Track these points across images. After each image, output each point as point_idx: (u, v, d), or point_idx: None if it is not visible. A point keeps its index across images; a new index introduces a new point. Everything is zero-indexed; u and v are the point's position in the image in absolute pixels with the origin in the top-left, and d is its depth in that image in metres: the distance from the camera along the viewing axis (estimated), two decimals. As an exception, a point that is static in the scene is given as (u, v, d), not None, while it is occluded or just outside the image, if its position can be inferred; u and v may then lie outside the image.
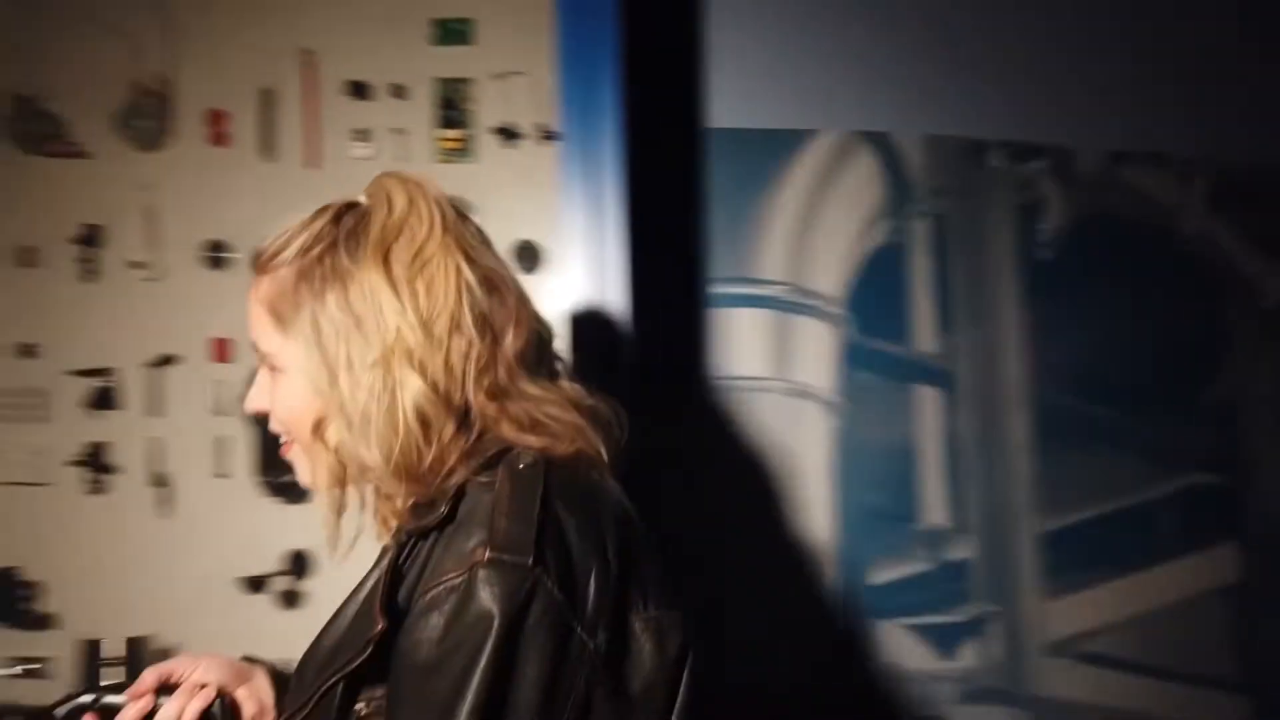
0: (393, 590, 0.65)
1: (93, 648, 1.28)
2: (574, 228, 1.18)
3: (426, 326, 0.67)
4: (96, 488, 1.36)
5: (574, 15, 1.17)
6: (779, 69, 1.43)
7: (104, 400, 1.37)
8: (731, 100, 1.42)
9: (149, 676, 0.79)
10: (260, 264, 0.74)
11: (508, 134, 1.32)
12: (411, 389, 0.67)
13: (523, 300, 0.74)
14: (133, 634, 1.31)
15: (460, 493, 0.67)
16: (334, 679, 0.64)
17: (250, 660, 0.86)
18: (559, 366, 0.78)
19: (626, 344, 1.17)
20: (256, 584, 1.32)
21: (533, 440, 0.69)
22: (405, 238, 0.69)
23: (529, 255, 1.32)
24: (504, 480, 0.66)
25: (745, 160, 1.41)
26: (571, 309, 1.20)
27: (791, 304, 1.41)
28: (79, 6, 1.39)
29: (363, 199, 0.74)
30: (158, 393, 1.36)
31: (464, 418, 0.69)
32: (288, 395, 0.72)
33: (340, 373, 0.68)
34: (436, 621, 0.60)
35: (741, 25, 1.44)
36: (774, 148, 1.41)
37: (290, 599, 1.32)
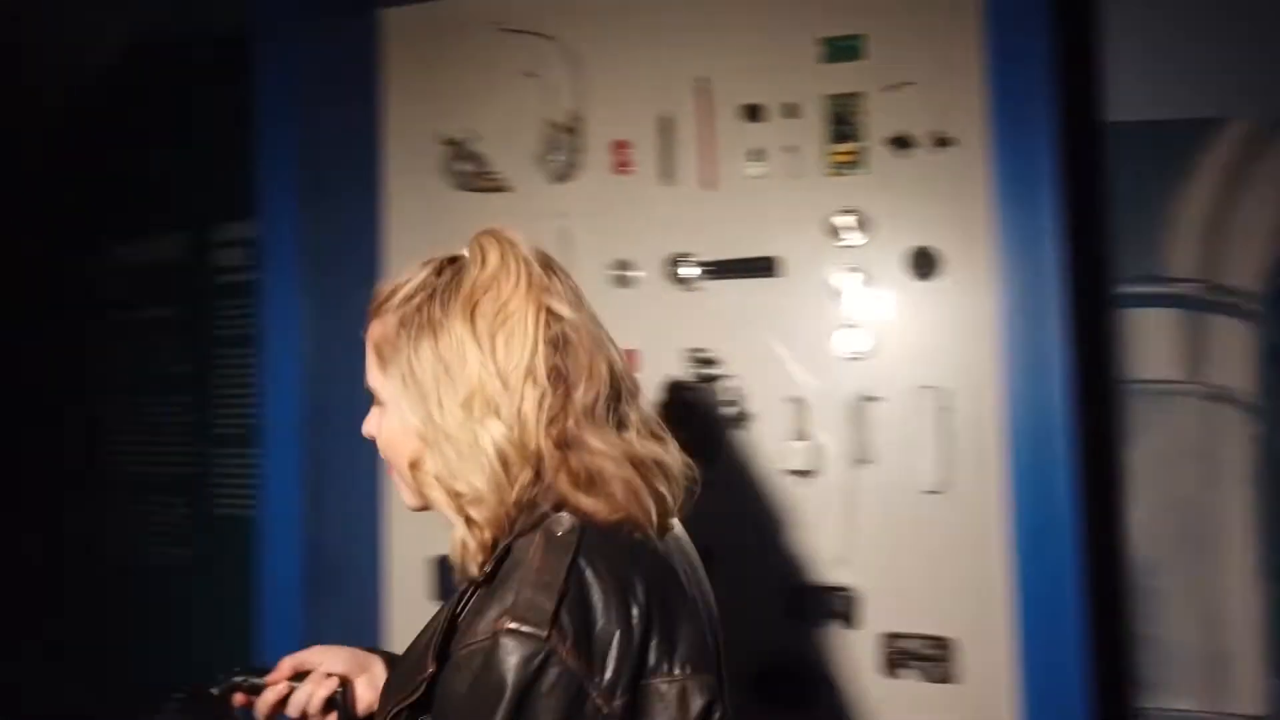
0: (447, 637, 0.71)
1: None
2: (1006, 231, 1.18)
3: (504, 376, 0.73)
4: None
5: (1005, 22, 1.17)
6: (1180, 57, 1.36)
7: (526, 406, 1.53)
8: (1130, 92, 1.37)
9: (286, 664, 0.91)
10: (373, 308, 0.81)
11: (900, 144, 1.35)
12: (491, 430, 0.73)
13: (598, 352, 0.77)
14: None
15: (507, 550, 0.72)
16: (397, 709, 0.72)
17: (371, 650, 0.95)
18: (634, 417, 0.80)
19: (1060, 347, 1.16)
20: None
21: (583, 499, 0.73)
22: (492, 294, 0.75)
23: (924, 261, 1.33)
24: (538, 547, 0.70)
25: (1149, 154, 1.35)
26: (1003, 313, 1.20)
27: (1205, 302, 1.34)
28: (499, 58, 1.56)
29: (464, 253, 0.80)
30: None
31: (538, 464, 0.74)
32: (388, 428, 0.80)
33: (432, 411, 0.75)
34: (464, 678, 0.67)
35: (1136, 11, 1.39)
36: (1179, 140, 1.35)
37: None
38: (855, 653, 1.35)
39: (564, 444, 0.75)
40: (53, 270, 2.04)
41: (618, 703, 0.67)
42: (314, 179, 1.49)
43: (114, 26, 1.92)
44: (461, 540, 0.76)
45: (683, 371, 1.43)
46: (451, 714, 0.68)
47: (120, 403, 1.88)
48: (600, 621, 0.68)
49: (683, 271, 1.45)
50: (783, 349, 1.40)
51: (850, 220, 1.36)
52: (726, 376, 1.41)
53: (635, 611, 0.70)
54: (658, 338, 1.46)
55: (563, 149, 1.51)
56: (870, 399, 1.35)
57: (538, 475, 0.74)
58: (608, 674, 0.67)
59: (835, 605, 1.36)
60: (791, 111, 1.41)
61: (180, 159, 1.75)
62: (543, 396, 0.74)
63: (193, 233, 1.77)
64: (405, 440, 0.78)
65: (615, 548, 0.72)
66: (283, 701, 0.89)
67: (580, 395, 0.76)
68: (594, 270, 1.49)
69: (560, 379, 0.75)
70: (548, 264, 0.80)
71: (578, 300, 0.80)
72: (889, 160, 1.36)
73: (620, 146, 1.49)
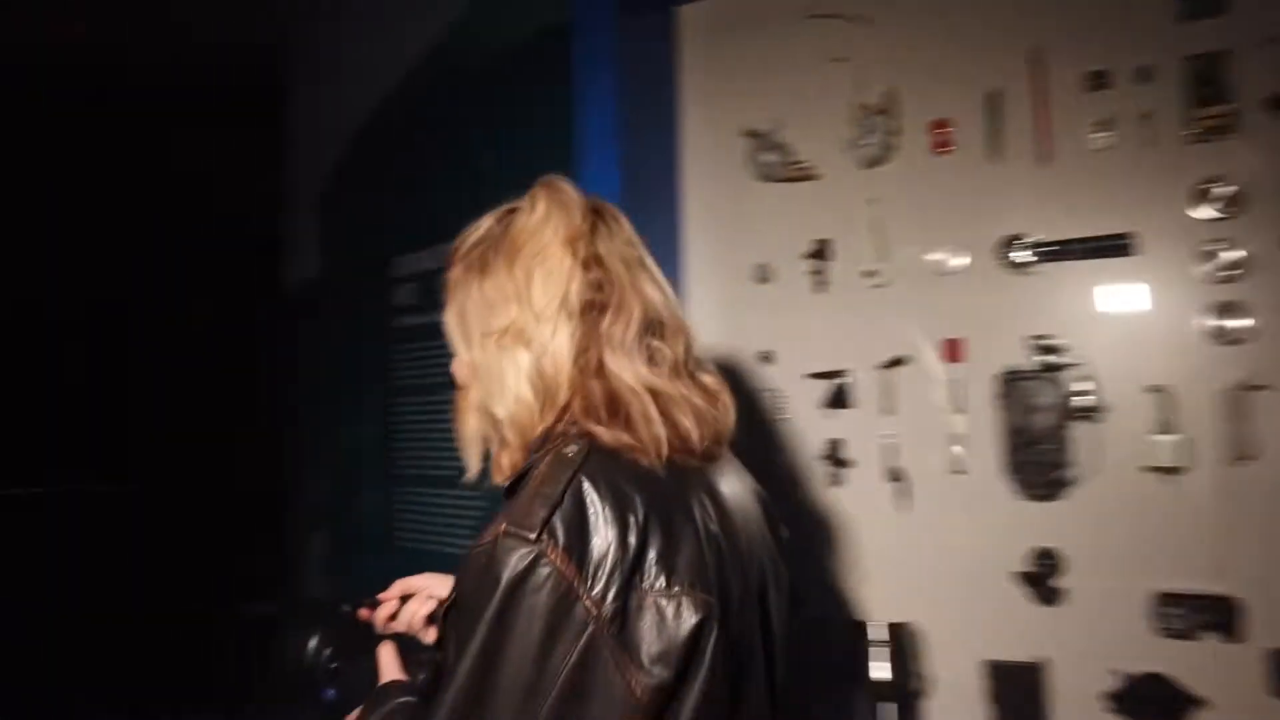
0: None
1: (859, 629, 1.38)
2: None
3: (537, 312, 0.82)
4: (836, 480, 1.48)
5: None
6: None
7: (838, 400, 1.48)
8: None
9: (397, 586, 1.06)
10: (450, 256, 0.91)
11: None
12: (523, 361, 0.82)
13: (634, 293, 0.85)
14: (893, 619, 1.39)
15: (528, 469, 0.78)
16: (442, 609, 0.78)
17: None
18: (668, 354, 0.85)
19: None
20: (1011, 578, 1.33)
21: (594, 424, 0.79)
22: (535, 238, 0.84)
23: (1316, 233, 1.18)
24: (545, 464, 0.77)
25: None
26: None
27: None
28: (802, 45, 1.53)
29: (523, 202, 0.88)
30: (890, 392, 1.45)
31: (567, 391, 0.82)
32: (454, 362, 0.91)
33: (475, 343, 0.86)
34: (471, 576, 0.73)
35: None
36: None
37: (1047, 596, 1.31)
38: (1236, 671, 1.21)
39: (589, 373, 0.82)
40: (362, 275, 2.19)
41: (608, 608, 0.71)
42: (632, 180, 1.50)
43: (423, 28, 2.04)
44: (497, 461, 0.87)
45: (1023, 361, 1.34)
46: (462, 607, 0.74)
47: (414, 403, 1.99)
48: (594, 532, 0.73)
49: (1016, 255, 1.36)
50: (1136, 334, 1.28)
51: (1222, 190, 1.23)
52: (1074, 365, 1.31)
53: (632, 525, 0.74)
54: (989, 326, 1.37)
55: (875, 132, 1.46)
56: (1252, 388, 1.21)
57: (568, 404, 0.82)
58: (599, 581, 0.72)
59: (1210, 616, 1.22)
60: (1143, 76, 1.29)
61: (499, 156, 1.80)
62: (574, 330, 0.82)
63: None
64: (460, 372, 0.89)
65: (619, 468, 0.77)
66: (394, 616, 1.04)
67: (607, 326, 0.83)
68: (909, 257, 1.43)
69: (592, 313, 0.83)
70: (598, 211, 0.88)
71: (625, 245, 0.87)
72: (1266, 124, 1.22)
73: (939, 126, 1.42)
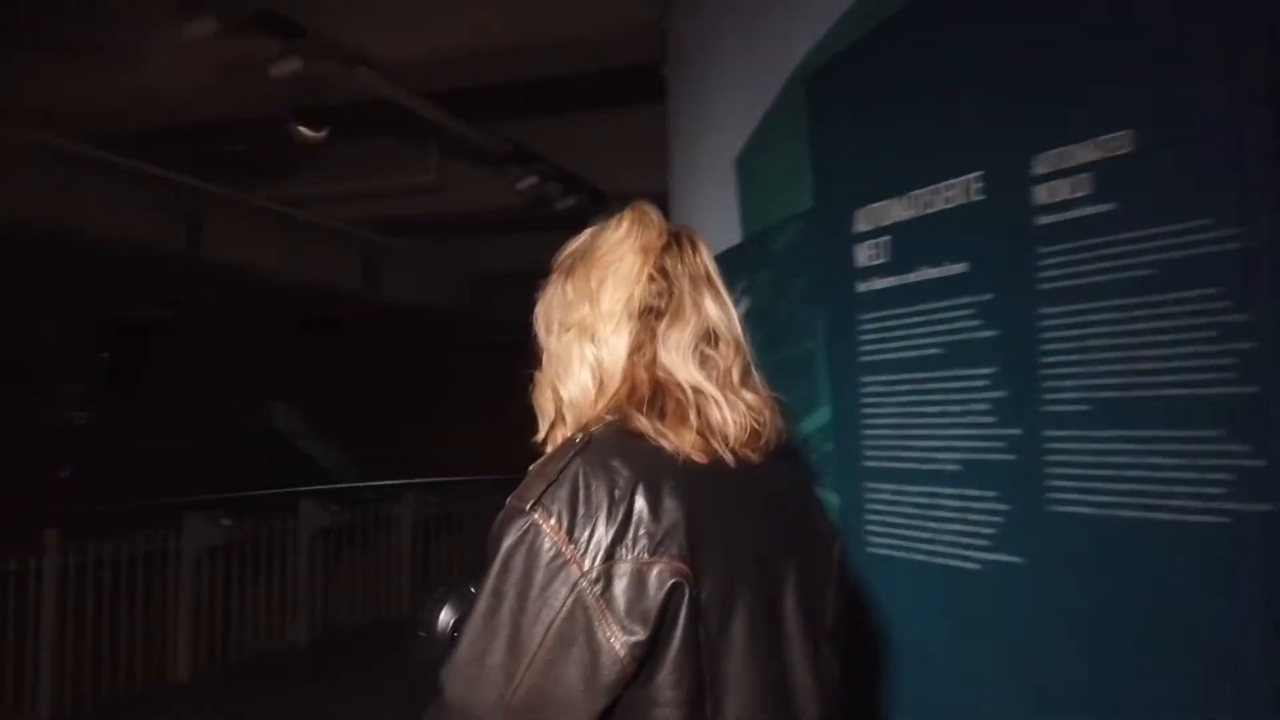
0: None
1: None
2: None
3: (604, 313, 1.02)
4: None
5: None
6: None
7: None
8: None
9: None
10: (552, 261, 1.11)
11: None
12: (588, 353, 1.03)
13: (695, 306, 1.04)
14: None
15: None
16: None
17: None
18: (719, 363, 1.03)
19: None
20: None
21: (633, 411, 0.97)
22: (613, 251, 1.04)
23: None
24: (556, 447, 0.98)
25: None
26: None
27: None
28: None
29: (612, 220, 1.08)
30: None
31: (622, 381, 1.01)
32: (536, 346, 1.11)
33: (551, 335, 1.08)
34: (488, 539, 0.93)
35: None
36: None
37: None
38: None
39: (641, 366, 1.01)
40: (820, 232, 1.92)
41: (593, 572, 0.88)
42: None
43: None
44: (553, 436, 1.06)
45: None
46: (483, 562, 0.92)
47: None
48: (582, 505, 0.90)
49: None
50: None
51: None
52: None
53: (620, 501, 0.90)
54: None
55: None
56: None
57: (618, 392, 1.00)
58: (586, 547, 0.89)
59: None
60: None
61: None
62: (633, 329, 1.01)
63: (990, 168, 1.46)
64: (540, 356, 1.09)
65: (624, 448, 0.94)
66: None
67: (664, 329, 1.02)
68: None
69: (650, 316, 1.02)
70: (676, 235, 1.08)
71: (694, 264, 1.06)
72: None
73: None
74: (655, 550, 0.89)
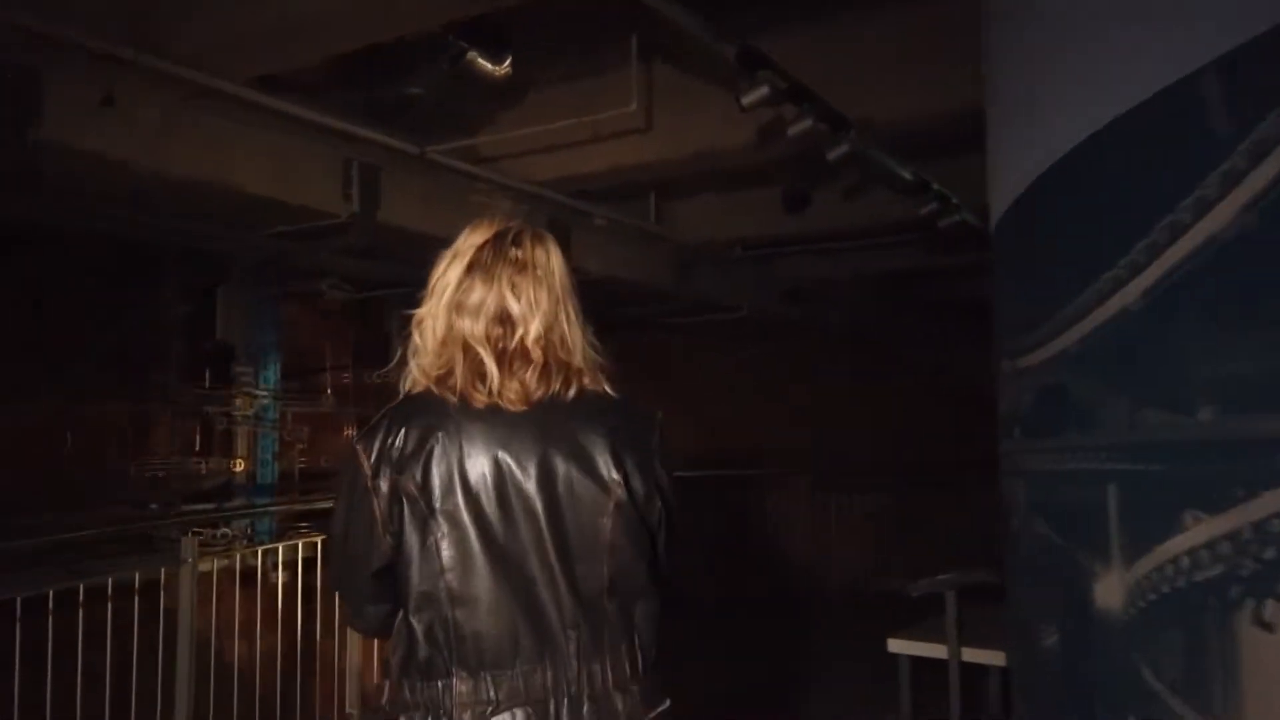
0: None
1: None
2: None
3: (432, 299, 1.60)
4: None
5: None
6: None
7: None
8: None
9: None
10: None
11: None
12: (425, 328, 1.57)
13: (491, 292, 1.54)
14: None
15: None
16: None
17: None
18: (511, 335, 1.53)
19: None
20: None
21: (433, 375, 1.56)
22: (446, 251, 1.60)
23: None
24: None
25: None
26: None
27: None
28: None
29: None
30: None
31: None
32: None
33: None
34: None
35: None
36: None
37: None
38: None
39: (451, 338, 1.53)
40: None
41: (381, 483, 1.47)
42: None
43: None
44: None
45: None
46: None
47: None
48: (375, 439, 1.48)
49: None
50: None
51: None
52: None
53: (395, 439, 1.47)
54: None
55: None
56: None
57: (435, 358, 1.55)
58: (372, 461, 1.48)
59: None
60: None
61: None
62: (447, 309, 1.53)
63: None
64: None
65: (418, 406, 1.51)
66: None
67: (466, 310, 1.53)
68: None
69: (458, 301, 1.53)
70: (502, 234, 1.56)
71: (509, 259, 1.53)
72: None
73: None
74: (400, 468, 1.47)
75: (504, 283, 1.49)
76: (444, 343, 1.50)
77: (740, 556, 7.74)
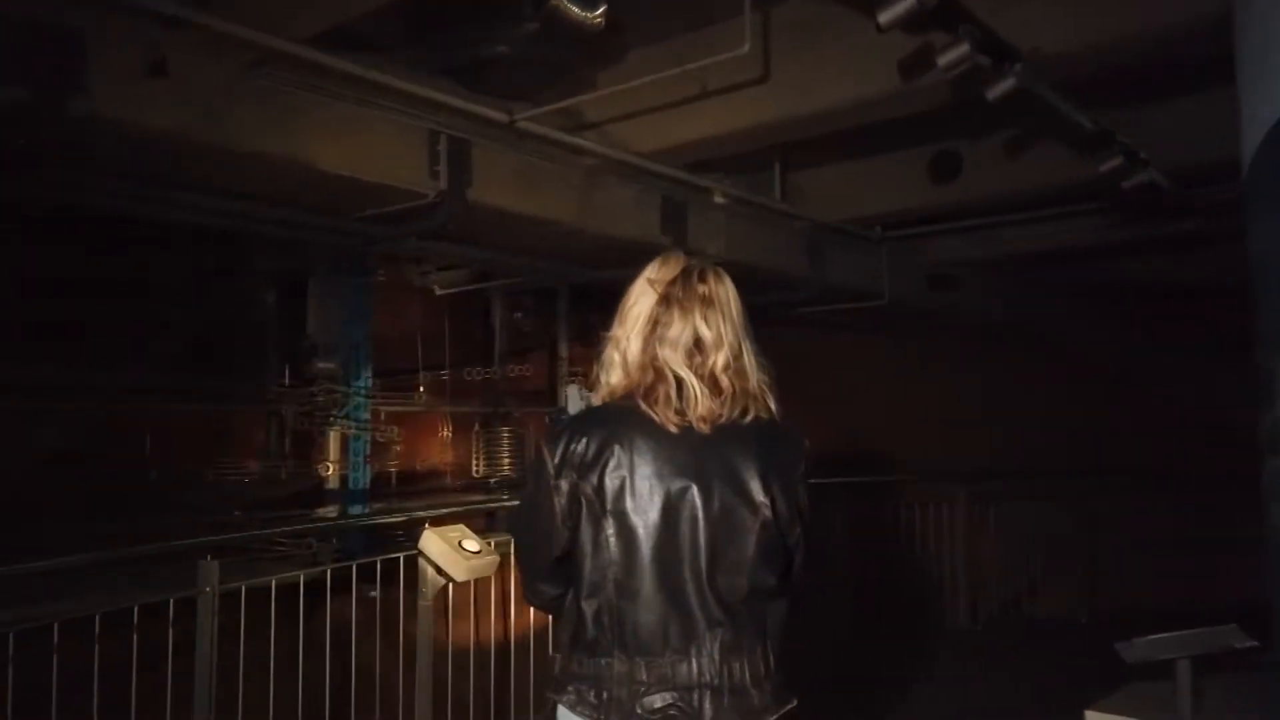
0: None
1: None
2: None
3: (625, 329, 1.84)
4: None
5: None
6: None
7: None
8: None
9: None
10: None
11: None
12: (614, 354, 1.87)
13: (685, 321, 1.78)
14: None
15: None
16: None
17: None
18: (703, 362, 1.80)
19: None
20: None
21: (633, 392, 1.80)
22: (634, 286, 1.88)
23: None
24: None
25: None
26: None
27: None
28: None
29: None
30: None
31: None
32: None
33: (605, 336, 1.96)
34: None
35: None
36: None
37: None
38: None
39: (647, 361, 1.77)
40: None
41: (557, 475, 1.71)
42: None
43: None
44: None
45: None
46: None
47: None
48: (559, 444, 1.72)
49: None
50: None
51: None
52: None
53: (578, 445, 1.71)
54: None
55: None
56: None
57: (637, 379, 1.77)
58: (556, 462, 1.71)
59: None
60: None
61: None
62: (643, 336, 1.77)
63: None
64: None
65: (609, 417, 1.75)
66: None
67: (662, 336, 1.75)
68: None
69: (657, 329, 1.76)
70: (688, 271, 1.80)
71: (696, 292, 1.77)
72: None
73: None
74: (581, 472, 1.71)
75: (696, 316, 1.73)
76: (640, 366, 1.75)
77: (878, 573, 6.80)
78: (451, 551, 3.46)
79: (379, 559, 4.10)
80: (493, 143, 5.74)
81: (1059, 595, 7.58)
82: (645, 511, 1.65)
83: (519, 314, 8.41)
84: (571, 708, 1.67)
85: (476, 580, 3.85)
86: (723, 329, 1.72)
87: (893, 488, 7.32)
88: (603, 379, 1.78)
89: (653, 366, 1.72)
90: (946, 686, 5.57)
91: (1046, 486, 7.88)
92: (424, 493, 7.65)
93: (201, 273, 6.62)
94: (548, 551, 1.73)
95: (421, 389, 7.80)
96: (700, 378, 1.70)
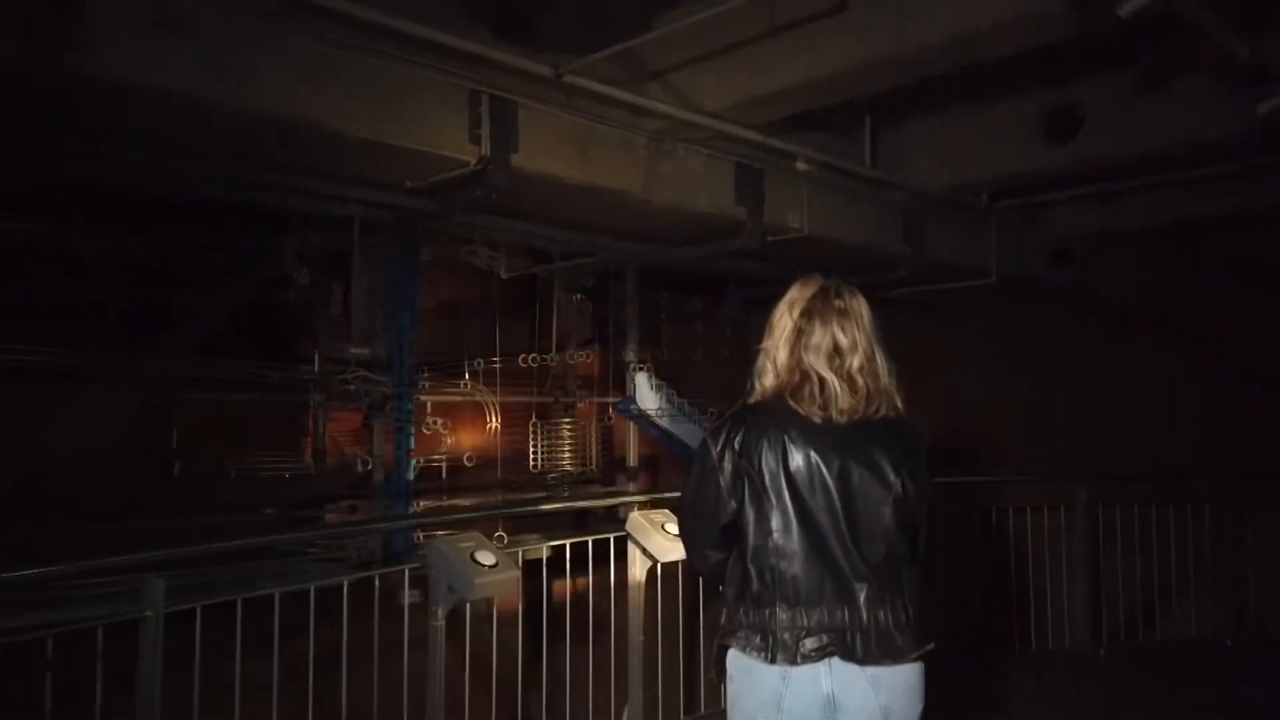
0: None
1: None
2: None
3: (774, 339, 2.21)
4: None
5: None
6: None
7: None
8: None
9: None
10: None
11: None
12: (767, 361, 2.22)
13: (824, 329, 2.15)
14: None
15: None
16: None
17: None
18: (841, 364, 2.13)
19: None
20: None
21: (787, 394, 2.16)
22: (780, 302, 2.25)
23: None
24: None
25: None
26: None
27: None
28: None
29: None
30: None
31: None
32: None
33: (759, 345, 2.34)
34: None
35: None
36: None
37: None
38: None
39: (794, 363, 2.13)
40: None
41: (726, 465, 2.07)
42: None
43: None
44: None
45: None
46: None
47: None
48: (726, 432, 2.09)
49: None
50: None
51: None
52: None
53: (736, 436, 2.07)
54: None
55: None
56: None
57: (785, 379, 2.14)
58: (719, 450, 2.08)
59: None
60: None
61: None
62: (789, 343, 2.12)
63: None
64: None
65: (766, 411, 2.10)
66: None
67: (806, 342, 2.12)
68: None
69: (800, 337, 2.12)
70: (825, 289, 2.15)
71: (834, 306, 2.12)
72: None
73: None
74: (740, 454, 2.06)
75: (835, 325, 2.10)
76: (789, 369, 2.12)
77: (982, 584, 6.00)
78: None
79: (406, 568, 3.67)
80: (541, 103, 5.19)
81: (1200, 613, 6.61)
82: (798, 487, 2.04)
83: (579, 296, 7.90)
84: (743, 649, 2.05)
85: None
86: (857, 336, 2.09)
87: (999, 488, 6.48)
88: (757, 384, 2.16)
89: (799, 369, 2.09)
90: (1064, 717, 4.77)
91: (1184, 488, 6.89)
92: (468, 489, 7.23)
93: (231, 255, 6.31)
94: (715, 522, 2.11)
95: (468, 378, 7.36)
96: (840, 377, 2.06)
